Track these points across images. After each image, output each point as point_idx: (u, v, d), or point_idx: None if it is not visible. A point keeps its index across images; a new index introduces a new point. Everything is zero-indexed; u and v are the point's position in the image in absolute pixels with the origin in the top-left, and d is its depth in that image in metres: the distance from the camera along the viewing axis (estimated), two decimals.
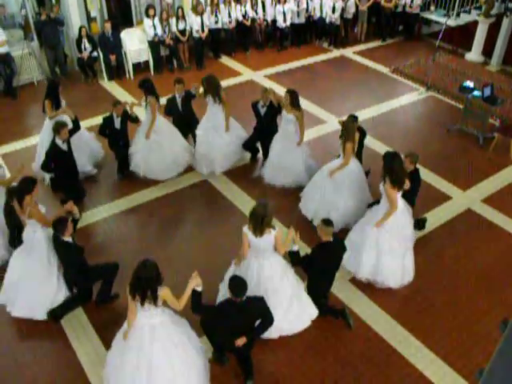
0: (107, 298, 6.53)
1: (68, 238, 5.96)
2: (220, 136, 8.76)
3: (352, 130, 7.24)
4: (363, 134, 8.13)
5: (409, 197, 7.16)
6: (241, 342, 5.27)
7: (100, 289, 6.50)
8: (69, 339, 6.17)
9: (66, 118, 8.18)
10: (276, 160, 8.60)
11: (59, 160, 7.61)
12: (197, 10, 12.80)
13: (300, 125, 8.27)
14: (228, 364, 5.82)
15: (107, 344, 6.03)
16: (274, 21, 14.10)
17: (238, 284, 5.10)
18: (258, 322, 5.38)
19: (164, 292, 4.91)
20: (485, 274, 7.14)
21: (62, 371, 5.84)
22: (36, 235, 6.09)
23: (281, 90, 11.96)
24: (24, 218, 6.08)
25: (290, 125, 8.29)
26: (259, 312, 5.30)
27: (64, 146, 7.57)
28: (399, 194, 6.44)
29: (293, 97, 8.10)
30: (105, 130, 8.63)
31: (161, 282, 4.91)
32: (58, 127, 7.43)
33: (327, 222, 5.87)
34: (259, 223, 5.50)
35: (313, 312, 6.19)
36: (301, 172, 8.55)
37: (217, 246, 7.56)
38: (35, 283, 6.16)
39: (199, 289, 5.14)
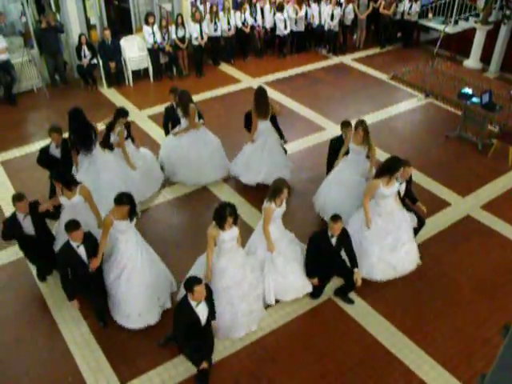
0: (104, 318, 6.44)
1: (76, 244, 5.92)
2: (192, 148, 8.73)
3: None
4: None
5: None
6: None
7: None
8: (68, 345, 6.15)
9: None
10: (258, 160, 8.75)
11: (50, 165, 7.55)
12: (194, 17, 12.85)
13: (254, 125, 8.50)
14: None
15: (106, 349, 6.05)
16: (273, 28, 14.18)
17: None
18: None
19: (211, 231, 5.81)
20: (484, 280, 7.13)
21: (61, 377, 5.80)
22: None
23: (281, 97, 12.03)
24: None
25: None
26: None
27: (56, 152, 7.58)
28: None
29: None
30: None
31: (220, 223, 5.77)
32: (49, 131, 7.47)
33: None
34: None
35: (307, 288, 6.72)
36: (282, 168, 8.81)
37: None
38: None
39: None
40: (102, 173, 7.79)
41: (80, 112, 7.62)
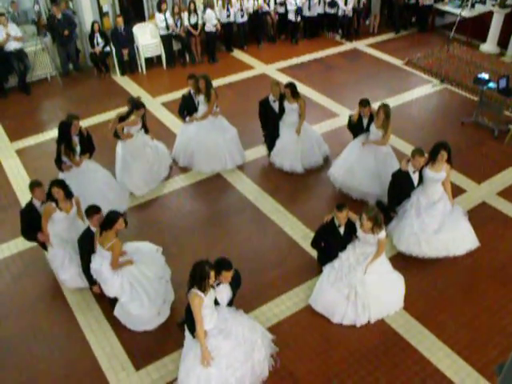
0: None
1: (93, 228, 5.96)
2: (209, 135, 8.78)
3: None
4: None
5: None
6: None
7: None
8: (83, 332, 6.23)
9: None
10: (294, 148, 8.78)
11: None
12: (210, 3, 12.80)
13: (303, 112, 8.64)
14: None
15: (121, 336, 6.11)
16: (286, 14, 14.04)
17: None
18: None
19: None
20: (500, 268, 7.06)
21: (77, 363, 5.90)
22: (101, 268, 5.96)
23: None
24: (98, 246, 5.87)
25: (295, 114, 8.63)
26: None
27: (75, 139, 7.57)
28: None
29: (292, 89, 8.49)
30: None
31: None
32: (69, 118, 7.46)
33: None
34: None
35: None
36: (316, 154, 9.05)
37: (230, 240, 7.57)
38: None
39: None
40: (87, 182, 7.63)
41: (68, 125, 7.40)
